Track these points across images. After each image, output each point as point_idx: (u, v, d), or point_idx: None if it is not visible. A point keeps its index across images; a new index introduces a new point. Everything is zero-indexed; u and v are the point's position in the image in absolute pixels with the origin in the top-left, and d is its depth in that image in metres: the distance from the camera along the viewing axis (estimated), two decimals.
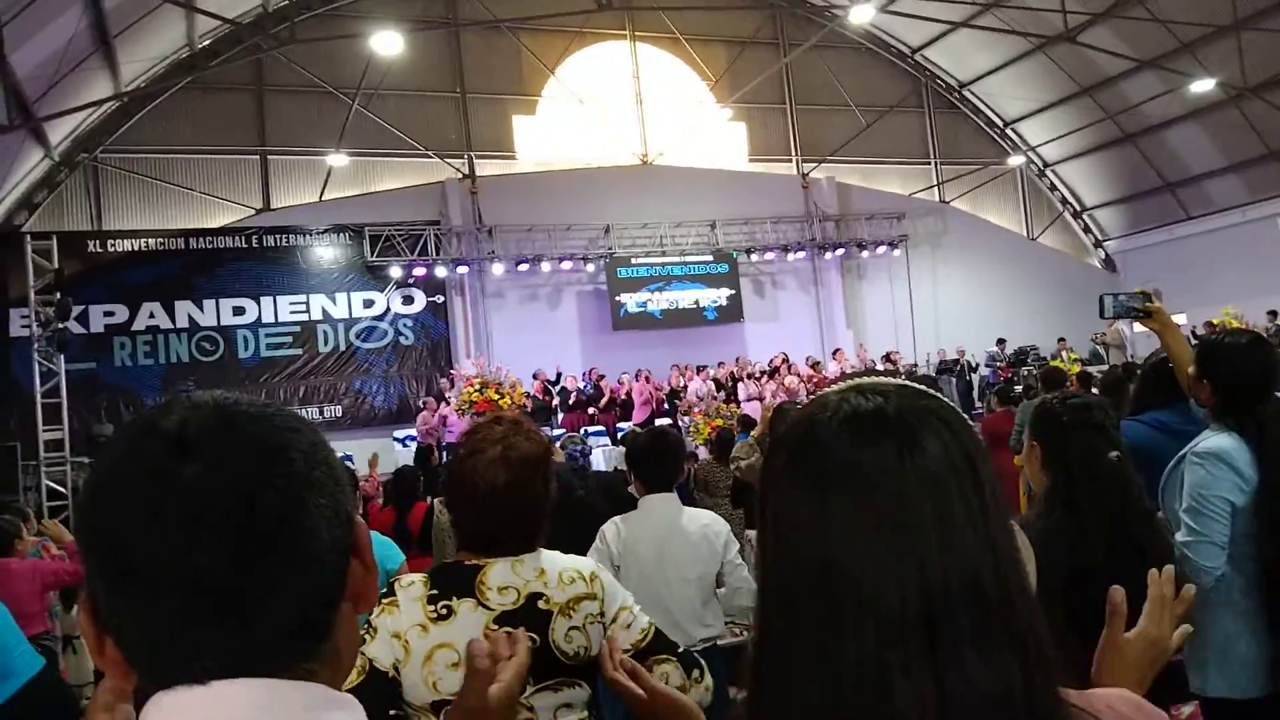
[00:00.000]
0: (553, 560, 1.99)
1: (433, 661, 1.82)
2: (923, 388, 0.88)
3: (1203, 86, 16.84)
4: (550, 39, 18.89)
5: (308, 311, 16.85)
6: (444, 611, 1.86)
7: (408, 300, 17.54)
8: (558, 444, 7.27)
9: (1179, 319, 16.81)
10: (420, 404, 15.71)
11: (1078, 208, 23.19)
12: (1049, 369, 8.50)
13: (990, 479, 0.82)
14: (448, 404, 14.15)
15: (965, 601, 0.77)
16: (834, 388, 0.88)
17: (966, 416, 0.88)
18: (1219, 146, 19.57)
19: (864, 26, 19.53)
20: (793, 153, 20.87)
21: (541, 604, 1.90)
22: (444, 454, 12.75)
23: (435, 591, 1.89)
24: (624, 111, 19.60)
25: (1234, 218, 19.64)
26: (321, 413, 16.63)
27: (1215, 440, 2.59)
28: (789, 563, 0.81)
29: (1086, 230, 23.36)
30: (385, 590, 1.92)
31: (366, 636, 1.84)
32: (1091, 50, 17.10)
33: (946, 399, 0.88)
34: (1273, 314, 16.26)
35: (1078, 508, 2.32)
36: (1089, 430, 2.37)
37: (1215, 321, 13.51)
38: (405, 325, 17.50)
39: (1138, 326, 3.83)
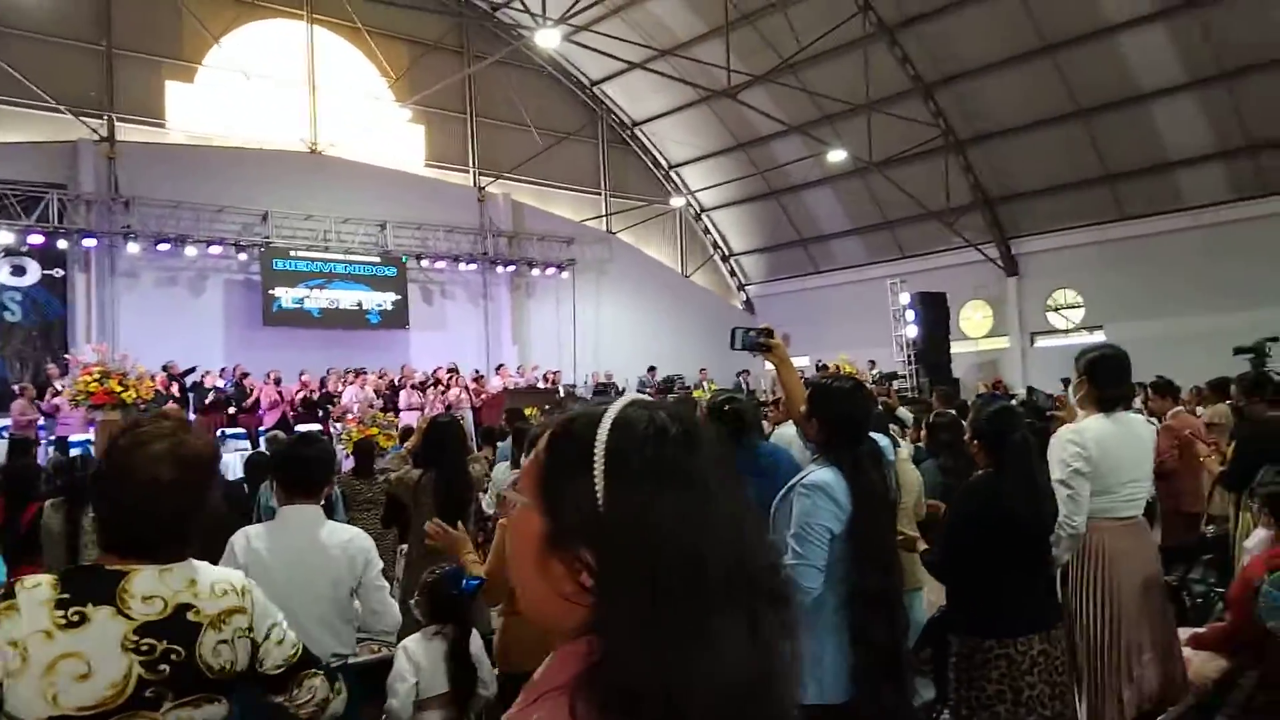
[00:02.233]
0: (205, 571, 1.90)
1: (55, 672, 1.69)
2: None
3: (837, 156, 19.05)
4: (217, 5, 17.46)
5: None
6: (75, 618, 1.72)
7: (18, 271, 15.29)
8: None
9: (803, 361, 18.89)
10: (18, 390, 13.66)
11: (726, 252, 25.30)
12: (681, 398, 9.12)
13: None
14: (58, 393, 12.45)
15: (776, 572, 0.96)
16: (626, 404, 0.96)
17: None
18: (846, 211, 22.26)
19: (549, 52, 20.00)
20: (470, 164, 20.86)
21: (191, 615, 1.82)
22: (50, 449, 11.25)
23: (66, 595, 1.74)
24: (294, 95, 18.50)
25: (853, 275, 22.41)
26: None
27: (820, 474, 2.89)
28: (660, 554, 0.87)
29: (733, 274, 25.52)
30: (3, 592, 1.77)
31: None
32: (749, 109, 18.78)
33: None
34: (871, 363, 18.62)
35: None
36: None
37: (830, 365, 15.29)
38: (13, 299, 15.25)
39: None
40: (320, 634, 3.33)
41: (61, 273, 15.67)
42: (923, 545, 3.65)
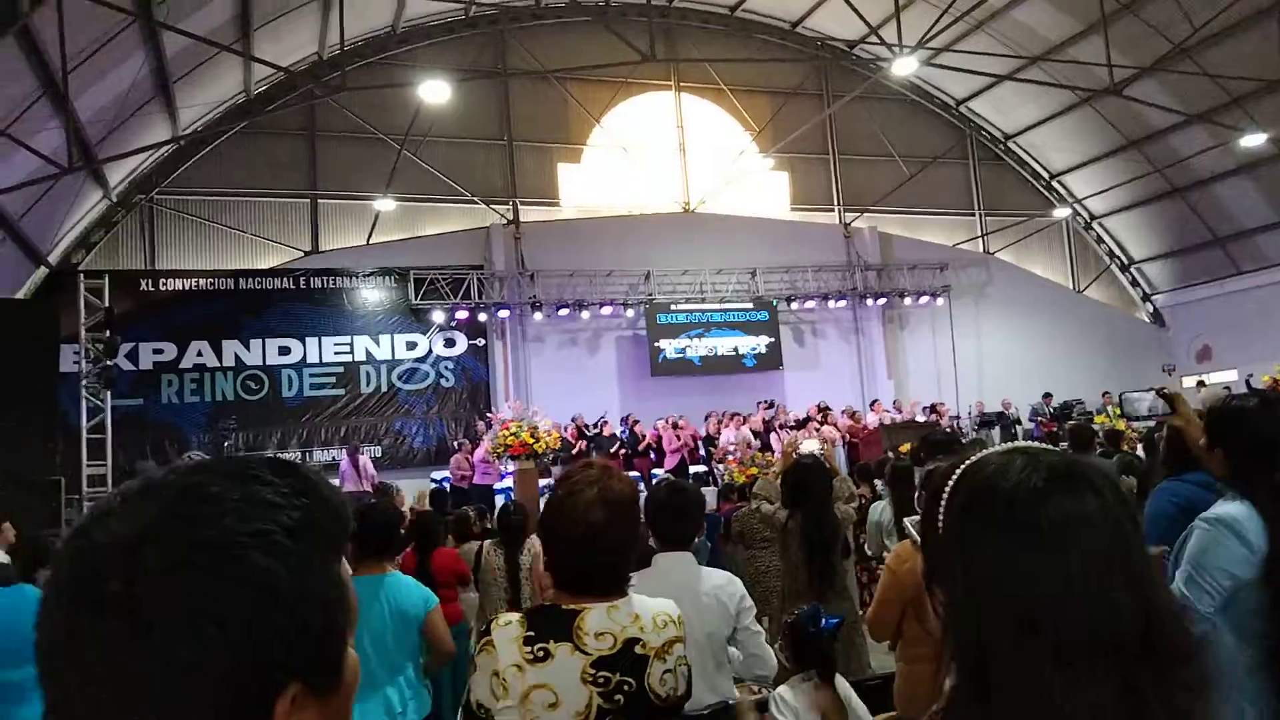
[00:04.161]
0: (643, 605, 2.06)
1: (530, 701, 1.90)
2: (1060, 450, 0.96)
3: (1253, 140, 16.58)
4: (596, 89, 19.19)
5: (351, 352, 17.08)
6: (540, 654, 1.93)
7: (450, 343, 17.72)
8: None
9: (1229, 376, 16.50)
10: (456, 445, 15.78)
11: (1125, 261, 22.87)
12: (1076, 425, 8.27)
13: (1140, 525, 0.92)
14: (477, 446, 14.21)
15: (1165, 629, 0.86)
16: (994, 450, 0.97)
17: None
18: (1271, 201, 19.22)
19: (908, 78, 19.58)
20: (835, 202, 20.89)
21: (639, 649, 1.97)
22: (469, 496, 12.76)
23: (532, 633, 1.96)
24: (667, 160, 19.80)
25: None
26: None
27: (1227, 507, 2.45)
28: (1011, 608, 0.85)
29: (1134, 283, 23.00)
30: (483, 629, 2.02)
31: (468, 679, 1.97)
32: (1139, 104, 16.96)
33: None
34: None
35: None
36: None
37: (1265, 379, 13.21)
38: (446, 368, 17.66)
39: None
40: (696, 683, 3.42)
41: (483, 342, 17.90)
42: None
